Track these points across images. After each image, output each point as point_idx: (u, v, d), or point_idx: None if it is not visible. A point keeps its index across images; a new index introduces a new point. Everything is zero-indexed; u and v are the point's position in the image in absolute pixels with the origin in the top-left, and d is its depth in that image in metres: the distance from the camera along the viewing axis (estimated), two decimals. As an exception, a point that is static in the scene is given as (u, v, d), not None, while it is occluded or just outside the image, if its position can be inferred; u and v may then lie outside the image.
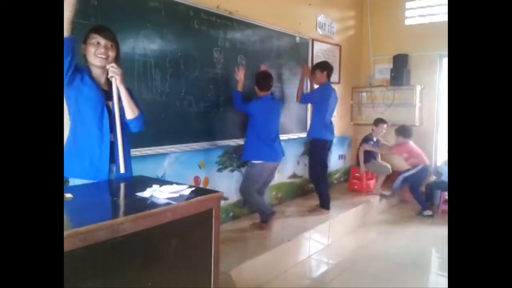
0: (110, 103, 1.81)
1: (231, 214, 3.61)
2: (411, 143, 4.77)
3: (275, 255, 2.98)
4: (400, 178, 4.73)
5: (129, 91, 1.86)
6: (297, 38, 4.35)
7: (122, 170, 1.76)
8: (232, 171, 3.61)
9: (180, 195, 1.53)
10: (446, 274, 3.23)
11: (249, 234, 3.29)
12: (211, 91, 3.27)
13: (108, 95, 1.81)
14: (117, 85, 1.78)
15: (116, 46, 1.84)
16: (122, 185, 1.81)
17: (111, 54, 1.80)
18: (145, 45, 2.72)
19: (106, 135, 1.77)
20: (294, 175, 4.48)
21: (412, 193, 4.74)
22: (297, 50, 4.37)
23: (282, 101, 3.29)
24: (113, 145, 1.79)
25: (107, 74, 1.78)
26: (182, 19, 2.99)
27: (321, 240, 3.58)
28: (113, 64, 1.77)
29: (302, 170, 4.60)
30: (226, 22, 3.38)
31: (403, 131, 4.78)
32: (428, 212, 4.64)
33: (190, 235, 1.50)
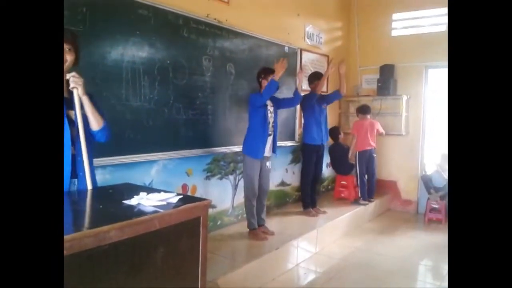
0: (72, 112, 1.68)
1: (219, 222, 3.60)
2: (366, 123, 4.89)
3: (263, 263, 2.97)
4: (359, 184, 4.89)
5: (93, 101, 1.73)
6: (286, 48, 4.39)
7: (89, 185, 1.67)
8: (221, 178, 3.60)
9: (168, 203, 1.52)
10: (433, 282, 3.27)
11: (237, 243, 3.28)
12: (200, 99, 3.28)
13: (69, 103, 1.67)
14: (80, 96, 1.66)
15: (75, 49, 1.68)
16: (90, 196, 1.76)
17: (69, 58, 1.64)
18: (134, 52, 2.72)
19: (67, 149, 1.63)
20: (282, 183, 4.49)
21: (359, 180, 4.86)
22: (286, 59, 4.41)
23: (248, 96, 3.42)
24: (74, 158, 1.66)
25: (67, 80, 1.65)
26: (172, 27, 3.00)
27: (309, 248, 3.59)
28: (74, 73, 1.63)
29: (291, 178, 4.62)
30: (216, 31, 3.41)
31: (360, 109, 4.98)
32: (364, 202, 4.82)
33: (177, 243, 1.49)
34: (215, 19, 3.38)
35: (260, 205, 3.45)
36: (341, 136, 5.12)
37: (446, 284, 3.13)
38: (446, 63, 5.02)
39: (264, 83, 3.30)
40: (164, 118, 2.96)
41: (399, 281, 3.15)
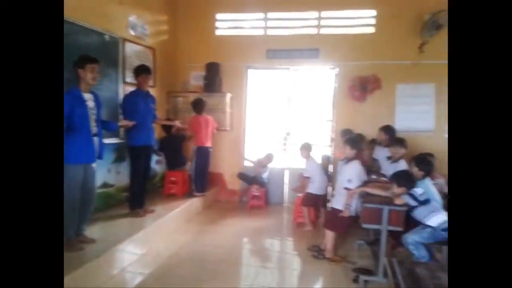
0: None
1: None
2: (202, 120, 4.96)
3: (83, 273, 2.67)
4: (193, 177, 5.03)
5: None
6: (106, 36, 4.05)
7: None
8: None
9: None
10: (257, 264, 3.56)
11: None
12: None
13: None
14: None
15: None
16: None
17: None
18: None
19: None
20: (105, 185, 4.13)
21: (194, 174, 5.03)
22: (107, 49, 4.08)
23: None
24: None
25: None
26: None
27: (135, 251, 3.42)
28: None
29: (115, 178, 4.30)
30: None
31: (194, 104, 5.00)
32: (199, 194, 5.06)
33: None
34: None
35: (84, 213, 3.08)
36: (174, 128, 5.03)
37: (270, 264, 3.46)
38: (263, 64, 5.57)
39: (81, 72, 2.91)
40: None
41: (227, 268, 3.32)
